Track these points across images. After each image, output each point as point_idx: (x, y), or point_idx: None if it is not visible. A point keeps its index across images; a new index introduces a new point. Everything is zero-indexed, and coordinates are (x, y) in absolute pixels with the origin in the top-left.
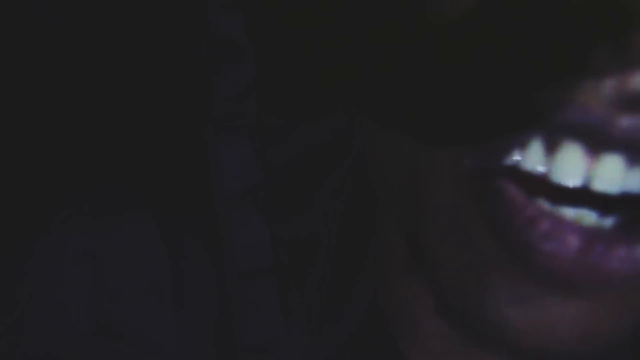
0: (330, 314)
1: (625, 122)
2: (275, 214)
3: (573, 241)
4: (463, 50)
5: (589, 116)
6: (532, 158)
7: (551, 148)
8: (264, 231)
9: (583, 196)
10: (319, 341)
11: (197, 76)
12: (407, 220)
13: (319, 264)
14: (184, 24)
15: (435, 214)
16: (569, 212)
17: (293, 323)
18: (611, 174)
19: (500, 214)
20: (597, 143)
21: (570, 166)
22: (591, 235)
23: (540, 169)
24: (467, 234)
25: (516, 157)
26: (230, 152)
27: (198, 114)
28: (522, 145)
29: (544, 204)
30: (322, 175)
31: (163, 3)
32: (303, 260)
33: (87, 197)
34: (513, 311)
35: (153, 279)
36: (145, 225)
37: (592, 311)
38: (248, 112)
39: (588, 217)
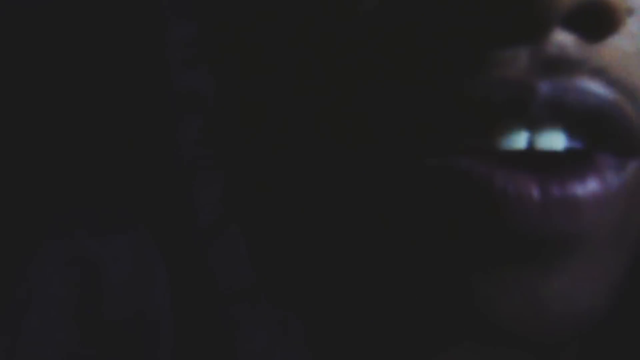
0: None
1: (545, 87)
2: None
3: (532, 187)
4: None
5: (510, 88)
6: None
7: (491, 125)
8: (241, 253)
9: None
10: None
11: (164, 122)
12: None
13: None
14: (148, 76)
15: None
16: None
17: (290, 334)
18: (552, 139)
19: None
20: (528, 112)
21: (512, 136)
22: (546, 178)
23: (485, 142)
24: None
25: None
26: (203, 190)
27: (169, 156)
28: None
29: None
30: None
31: (128, 57)
32: (287, 274)
33: (84, 208)
34: (499, 300)
35: (151, 286)
36: (142, 236)
37: (572, 281)
38: (213, 155)
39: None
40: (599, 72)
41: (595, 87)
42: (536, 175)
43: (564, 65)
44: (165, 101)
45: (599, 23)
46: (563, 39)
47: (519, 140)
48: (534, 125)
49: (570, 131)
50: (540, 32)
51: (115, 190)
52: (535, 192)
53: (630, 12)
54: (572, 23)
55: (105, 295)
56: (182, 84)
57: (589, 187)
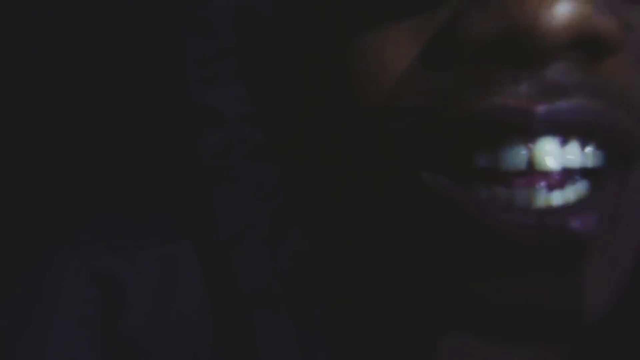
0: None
1: (541, 108)
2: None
3: (528, 219)
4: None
5: (512, 110)
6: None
7: (494, 144)
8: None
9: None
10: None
11: (184, 137)
12: None
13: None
14: (168, 94)
15: None
16: (520, 197)
17: (308, 340)
18: (548, 154)
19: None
20: (526, 131)
21: (513, 155)
22: (543, 212)
23: (488, 162)
24: None
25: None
26: (225, 201)
27: (191, 166)
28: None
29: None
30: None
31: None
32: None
33: (106, 221)
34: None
35: (178, 301)
36: (168, 251)
37: (575, 283)
38: (233, 166)
39: (538, 198)
40: (598, 91)
41: (593, 106)
42: (534, 213)
43: (562, 89)
44: (185, 117)
45: (596, 49)
46: (561, 65)
47: (520, 161)
48: (534, 142)
49: (567, 147)
50: (539, 65)
51: (137, 204)
52: (529, 222)
53: (630, 28)
54: (570, 51)
55: (128, 311)
56: (201, 100)
57: (583, 218)
